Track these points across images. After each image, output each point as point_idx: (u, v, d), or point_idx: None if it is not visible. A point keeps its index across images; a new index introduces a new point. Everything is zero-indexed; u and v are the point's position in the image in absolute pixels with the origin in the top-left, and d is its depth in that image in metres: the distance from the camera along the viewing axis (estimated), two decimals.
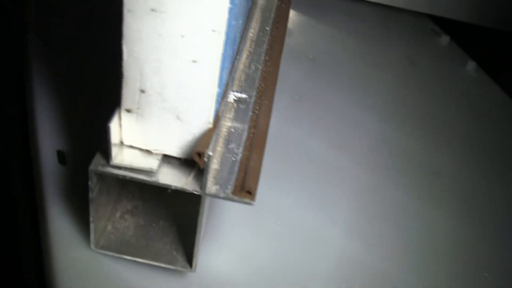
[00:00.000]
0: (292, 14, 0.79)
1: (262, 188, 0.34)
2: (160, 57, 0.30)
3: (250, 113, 0.38)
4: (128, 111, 0.33)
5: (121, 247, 0.38)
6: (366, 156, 0.58)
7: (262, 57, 0.46)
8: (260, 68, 0.45)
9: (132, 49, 0.30)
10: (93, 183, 0.33)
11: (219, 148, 0.35)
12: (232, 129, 0.37)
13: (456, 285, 0.46)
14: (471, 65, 0.80)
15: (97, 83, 0.52)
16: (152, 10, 0.28)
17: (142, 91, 0.32)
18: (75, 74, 0.55)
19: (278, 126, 0.53)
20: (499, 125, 0.70)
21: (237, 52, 0.44)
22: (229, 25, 0.30)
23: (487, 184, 0.59)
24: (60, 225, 0.40)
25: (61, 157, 0.44)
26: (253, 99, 0.40)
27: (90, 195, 0.34)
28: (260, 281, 0.41)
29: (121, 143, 0.34)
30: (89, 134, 0.38)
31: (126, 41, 0.30)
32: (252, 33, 0.49)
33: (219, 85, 0.32)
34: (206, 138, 0.32)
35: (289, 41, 0.59)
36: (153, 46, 0.30)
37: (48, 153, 0.45)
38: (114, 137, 0.32)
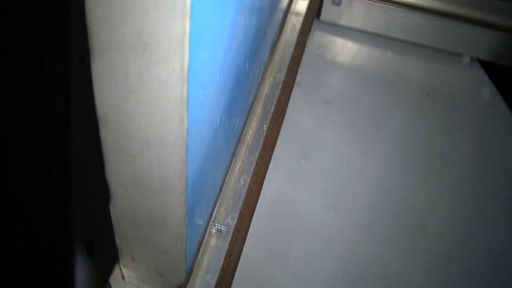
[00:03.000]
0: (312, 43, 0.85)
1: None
2: None
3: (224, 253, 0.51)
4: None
5: None
6: (363, 219, 0.68)
7: (252, 168, 0.58)
8: (248, 181, 0.56)
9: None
10: None
11: None
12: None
13: None
14: (486, 91, 0.85)
15: None
16: None
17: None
18: None
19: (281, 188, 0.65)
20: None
21: (231, 161, 0.56)
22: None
23: None
24: None
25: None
26: (231, 230, 0.53)
27: None
28: None
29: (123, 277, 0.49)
30: None
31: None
32: (249, 135, 0.60)
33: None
34: None
35: (303, 83, 0.69)
36: None
37: None
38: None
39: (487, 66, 0.90)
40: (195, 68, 0.30)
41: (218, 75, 0.37)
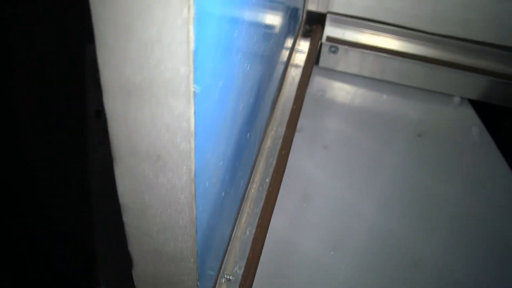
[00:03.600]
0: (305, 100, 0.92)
1: None
2: None
3: None
4: None
5: None
6: (361, 256, 0.74)
7: (257, 219, 0.64)
8: (253, 232, 0.63)
9: None
10: None
11: None
12: None
13: None
14: (475, 130, 0.92)
15: None
16: None
17: None
18: None
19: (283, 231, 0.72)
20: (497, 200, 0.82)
21: (238, 215, 0.63)
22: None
23: None
24: None
25: None
26: (239, 279, 0.59)
27: None
28: None
29: None
30: None
31: None
32: (253, 189, 0.67)
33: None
34: None
35: (303, 128, 0.76)
36: None
37: None
38: None
39: (476, 105, 0.96)
40: (202, 168, 0.37)
41: (221, 162, 0.44)
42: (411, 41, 0.92)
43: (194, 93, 0.30)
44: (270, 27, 0.59)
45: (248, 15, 0.45)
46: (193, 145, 0.33)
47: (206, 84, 0.33)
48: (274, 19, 0.61)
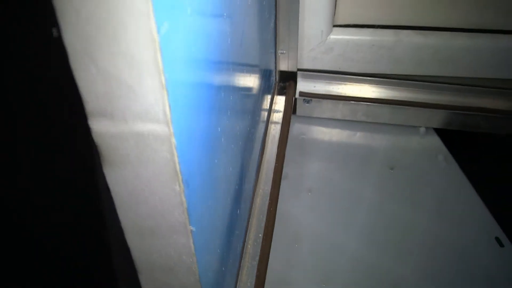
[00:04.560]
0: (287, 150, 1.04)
1: None
2: None
3: None
4: None
5: None
6: (350, 286, 0.86)
7: (255, 271, 0.76)
8: (253, 283, 0.75)
9: None
10: None
11: None
12: None
13: None
14: (441, 157, 1.03)
15: None
16: None
17: None
18: None
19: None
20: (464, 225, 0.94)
21: (239, 269, 0.74)
22: None
23: None
24: None
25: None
26: None
27: None
28: None
29: None
30: None
31: None
32: (249, 245, 0.79)
33: None
34: None
35: (289, 176, 0.88)
36: None
37: None
38: None
39: (441, 132, 1.08)
40: (199, 246, 0.48)
41: (218, 234, 0.56)
42: (375, 86, 1.04)
43: (191, 228, 0.41)
44: (247, 90, 0.71)
45: (225, 88, 0.54)
46: (191, 242, 0.44)
47: (198, 175, 0.45)
48: (250, 83, 0.73)
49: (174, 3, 0.32)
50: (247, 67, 0.70)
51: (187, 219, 0.40)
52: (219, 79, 0.50)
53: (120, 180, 0.38)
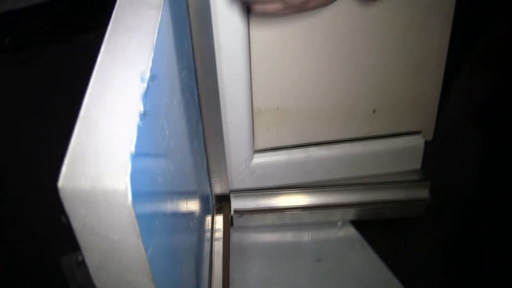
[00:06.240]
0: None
1: None
2: None
3: None
4: None
5: None
6: None
7: None
8: None
9: None
10: None
11: None
12: None
13: None
14: (358, 245, 1.24)
15: None
16: None
17: None
18: None
19: None
20: None
21: None
22: None
23: None
24: None
25: None
26: None
27: None
28: None
29: None
30: None
31: None
32: None
33: None
34: None
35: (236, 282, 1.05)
36: None
37: None
38: None
39: (356, 223, 1.29)
40: None
41: None
42: (295, 195, 1.25)
43: None
44: (192, 215, 0.88)
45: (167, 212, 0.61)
46: None
47: None
48: (191, 208, 0.89)
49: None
50: (191, 195, 0.88)
51: None
52: (173, 207, 0.67)
53: None
